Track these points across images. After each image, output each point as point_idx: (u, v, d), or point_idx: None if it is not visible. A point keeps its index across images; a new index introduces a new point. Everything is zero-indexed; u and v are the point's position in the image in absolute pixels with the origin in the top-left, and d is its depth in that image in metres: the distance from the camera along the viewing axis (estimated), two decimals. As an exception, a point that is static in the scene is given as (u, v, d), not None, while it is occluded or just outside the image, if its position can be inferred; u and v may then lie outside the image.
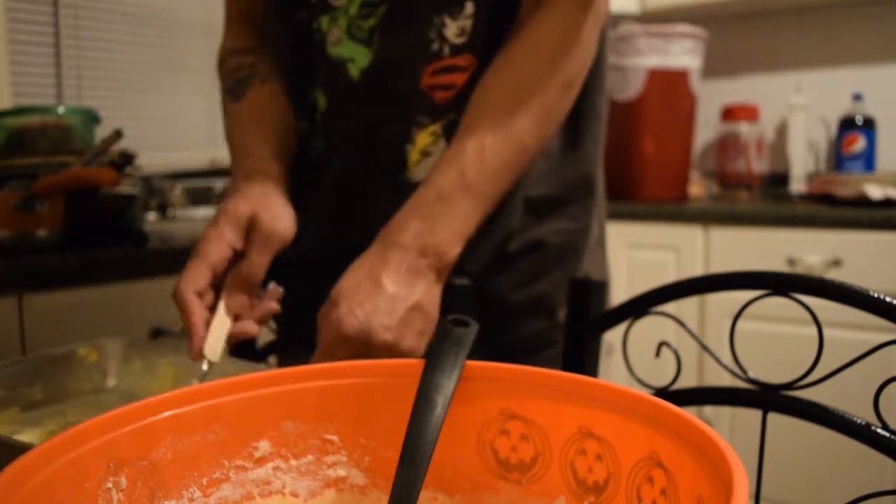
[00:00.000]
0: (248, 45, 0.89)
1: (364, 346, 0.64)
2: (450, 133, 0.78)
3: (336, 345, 0.64)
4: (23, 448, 0.49)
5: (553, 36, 0.74)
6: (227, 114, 0.85)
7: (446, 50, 0.77)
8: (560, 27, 0.74)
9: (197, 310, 0.64)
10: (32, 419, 0.67)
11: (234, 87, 0.86)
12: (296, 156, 0.91)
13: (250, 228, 0.69)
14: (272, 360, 1.00)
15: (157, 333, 1.32)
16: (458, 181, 0.70)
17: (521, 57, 0.74)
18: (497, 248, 0.84)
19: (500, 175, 0.72)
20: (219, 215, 0.69)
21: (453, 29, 0.76)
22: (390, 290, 0.65)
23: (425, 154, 0.80)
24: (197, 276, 0.65)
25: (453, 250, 0.70)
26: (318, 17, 0.81)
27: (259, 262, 0.68)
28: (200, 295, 0.65)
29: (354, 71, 0.80)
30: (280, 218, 0.70)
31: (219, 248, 0.66)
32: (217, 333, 0.64)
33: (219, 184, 2.24)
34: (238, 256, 0.68)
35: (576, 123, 0.87)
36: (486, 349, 0.83)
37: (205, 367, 0.63)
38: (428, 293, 0.68)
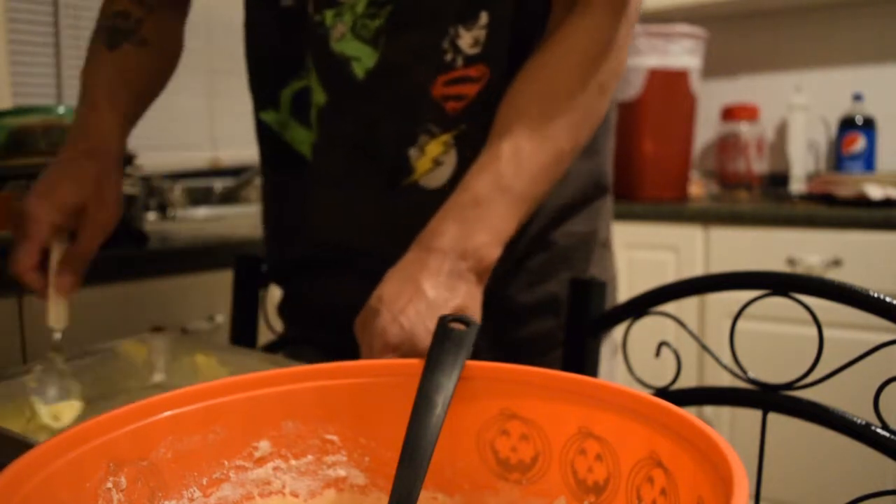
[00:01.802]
0: None
1: (410, 353, 0.63)
2: (461, 143, 0.78)
3: (382, 353, 0.63)
4: (27, 446, 0.49)
5: (587, 40, 0.73)
6: (93, 54, 0.85)
7: (459, 61, 0.76)
8: (594, 32, 0.73)
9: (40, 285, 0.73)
10: (84, 417, 0.67)
11: (111, 31, 0.85)
12: (274, 147, 0.91)
13: (79, 214, 0.74)
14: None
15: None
16: (495, 184, 0.69)
17: (555, 61, 0.73)
18: (511, 250, 0.84)
19: (537, 178, 0.71)
20: (47, 189, 0.73)
21: (467, 39, 0.76)
22: (431, 294, 0.65)
23: (437, 163, 0.79)
24: (29, 257, 0.72)
25: (493, 252, 0.69)
26: (321, 10, 0.80)
27: (90, 247, 0.74)
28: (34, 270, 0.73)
29: (359, 70, 0.79)
30: (108, 206, 0.76)
31: (46, 230, 0.72)
32: (58, 307, 0.73)
33: (218, 184, 2.24)
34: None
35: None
36: (494, 349, 0.84)
37: (57, 336, 0.72)
38: (469, 295, 0.67)
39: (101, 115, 0.80)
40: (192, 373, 0.74)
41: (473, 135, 0.77)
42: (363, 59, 0.79)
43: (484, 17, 0.75)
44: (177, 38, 0.91)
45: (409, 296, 0.64)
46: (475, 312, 0.67)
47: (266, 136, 0.91)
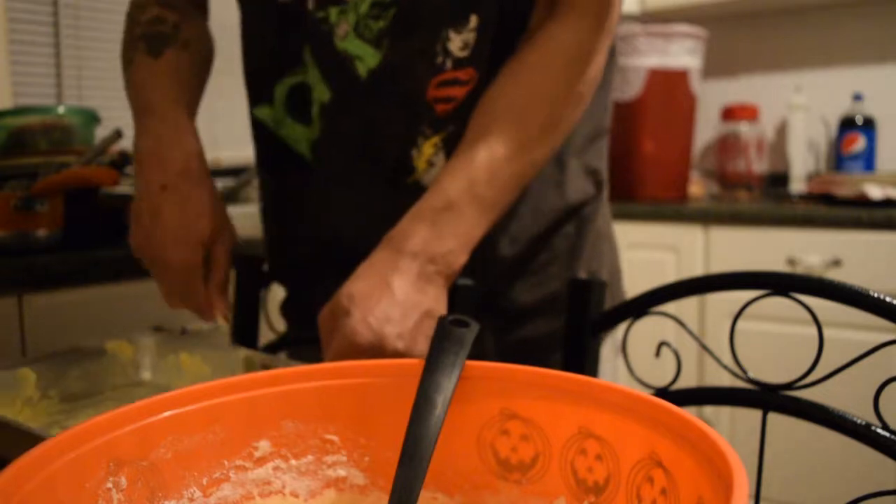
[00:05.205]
0: (175, 1, 0.86)
1: (377, 354, 0.64)
2: (449, 145, 0.79)
3: (349, 354, 0.64)
4: (33, 436, 0.49)
5: (566, 49, 0.74)
6: (138, 65, 0.82)
7: (449, 63, 0.77)
8: (573, 40, 0.74)
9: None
10: (69, 410, 0.67)
11: (151, 38, 0.83)
12: (270, 145, 0.90)
13: (211, 242, 0.76)
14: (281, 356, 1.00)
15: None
16: (468, 190, 0.70)
17: (534, 68, 0.74)
18: (514, 252, 0.85)
19: (509, 186, 0.72)
20: (176, 233, 0.74)
21: (457, 42, 0.76)
22: (401, 297, 0.66)
23: (430, 164, 0.80)
24: (211, 298, 0.78)
25: (461, 259, 0.70)
26: (325, 7, 0.80)
27: (227, 272, 0.78)
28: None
29: (362, 69, 0.80)
30: (229, 228, 0.78)
31: (198, 272, 0.76)
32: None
33: (219, 184, 2.23)
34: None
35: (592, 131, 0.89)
36: (501, 350, 0.84)
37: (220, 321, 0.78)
38: (437, 298, 0.68)
39: (175, 127, 0.78)
40: (177, 371, 0.75)
41: (461, 137, 0.77)
42: (366, 58, 0.79)
43: (474, 20, 0.76)
44: (210, 38, 0.90)
45: (379, 297, 0.65)
46: (442, 314, 0.68)
47: (261, 134, 0.90)
